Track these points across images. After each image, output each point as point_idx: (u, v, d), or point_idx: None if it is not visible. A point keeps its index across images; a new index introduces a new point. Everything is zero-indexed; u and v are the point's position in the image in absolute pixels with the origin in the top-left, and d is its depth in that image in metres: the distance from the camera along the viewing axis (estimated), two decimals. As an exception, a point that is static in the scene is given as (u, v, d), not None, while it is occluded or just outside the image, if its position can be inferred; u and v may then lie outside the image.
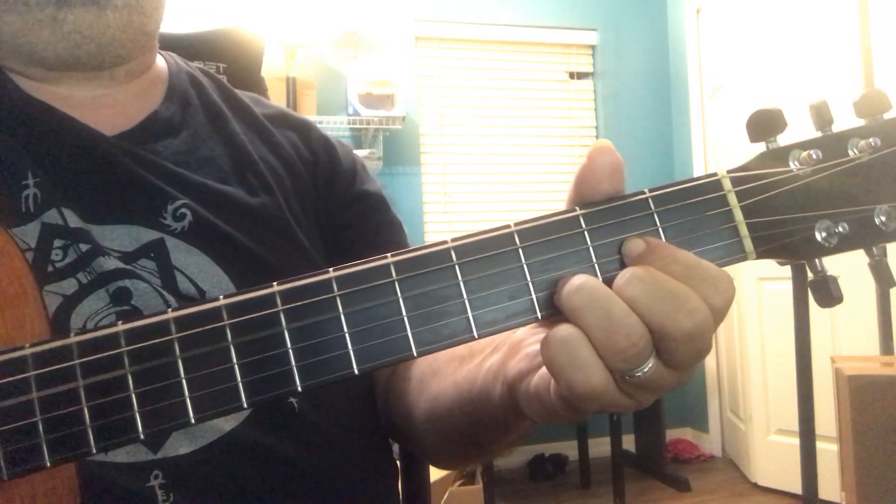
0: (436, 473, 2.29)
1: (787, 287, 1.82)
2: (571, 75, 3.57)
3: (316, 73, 3.10)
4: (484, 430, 0.49)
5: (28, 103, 0.52)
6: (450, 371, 0.53)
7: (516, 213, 3.37)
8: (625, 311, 0.33)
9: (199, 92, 0.63)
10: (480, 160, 3.41)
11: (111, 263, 0.49)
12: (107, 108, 0.56)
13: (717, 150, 3.21)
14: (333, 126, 2.99)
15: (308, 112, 2.87)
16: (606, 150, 0.36)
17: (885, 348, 1.88)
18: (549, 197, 3.43)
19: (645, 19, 3.61)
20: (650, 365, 0.34)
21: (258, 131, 0.64)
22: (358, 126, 3.06)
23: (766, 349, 2.73)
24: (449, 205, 3.36)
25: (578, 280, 0.34)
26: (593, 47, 3.58)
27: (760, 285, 2.76)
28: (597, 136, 3.57)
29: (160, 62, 0.63)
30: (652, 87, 3.60)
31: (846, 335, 2.31)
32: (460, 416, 0.50)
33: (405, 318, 0.34)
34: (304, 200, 0.63)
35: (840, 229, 0.37)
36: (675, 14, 3.56)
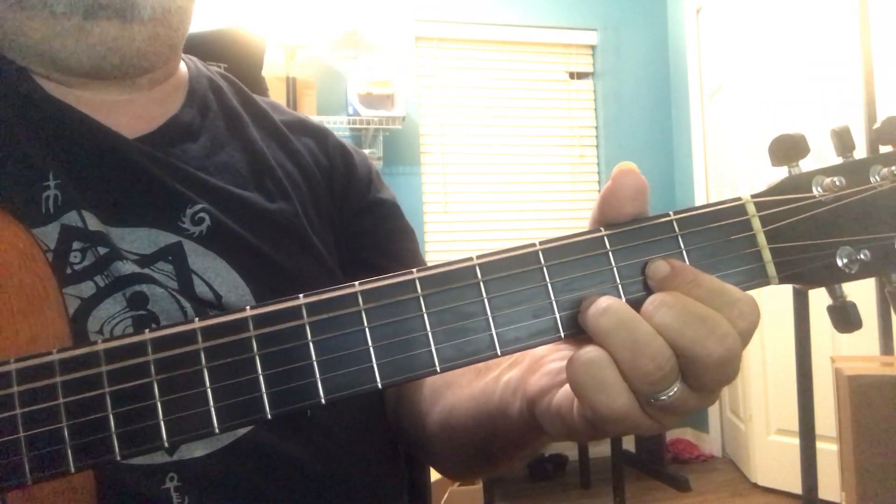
0: (436, 473, 2.29)
1: (788, 287, 1.82)
2: (571, 75, 3.57)
3: (316, 73, 3.10)
4: (499, 443, 0.49)
5: (51, 105, 0.52)
6: (465, 383, 0.53)
7: (516, 213, 3.38)
8: (651, 335, 0.33)
9: (218, 97, 0.63)
10: (480, 160, 3.41)
11: (128, 268, 0.50)
12: (128, 112, 0.56)
13: (717, 150, 3.21)
14: (333, 126, 2.99)
15: (308, 112, 2.87)
16: (630, 172, 0.36)
17: (885, 348, 1.89)
18: (549, 197, 3.44)
19: (645, 19, 3.61)
20: (676, 388, 0.34)
21: (276, 138, 0.64)
22: (358, 126, 3.06)
23: (766, 349, 2.74)
24: (449, 205, 3.36)
25: (605, 302, 0.34)
26: (593, 47, 3.58)
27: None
28: (597, 137, 3.58)
29: (181, 66, 0.63)
30: (652, 87, 3.60)
31: (846, 335, 2.31)
32: (476, 428, 0.50)
33: (429, 334, 0.35)
34: (319, 207, 0.63)
35: (861, 256, 0.38)
36: (675, 14, 3.57)
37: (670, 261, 0.36)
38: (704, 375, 0.34)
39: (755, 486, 2.77)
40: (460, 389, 0.53)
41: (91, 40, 0.51)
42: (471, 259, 0.36)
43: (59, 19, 0.50)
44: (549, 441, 0.46)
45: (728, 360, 0.33)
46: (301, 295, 0.35)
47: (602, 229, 0.37)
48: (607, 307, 0.34)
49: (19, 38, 0.51)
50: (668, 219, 0.37)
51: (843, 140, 0.39)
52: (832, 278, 0.38)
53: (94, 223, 0.50)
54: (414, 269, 0.35)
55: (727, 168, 3.05)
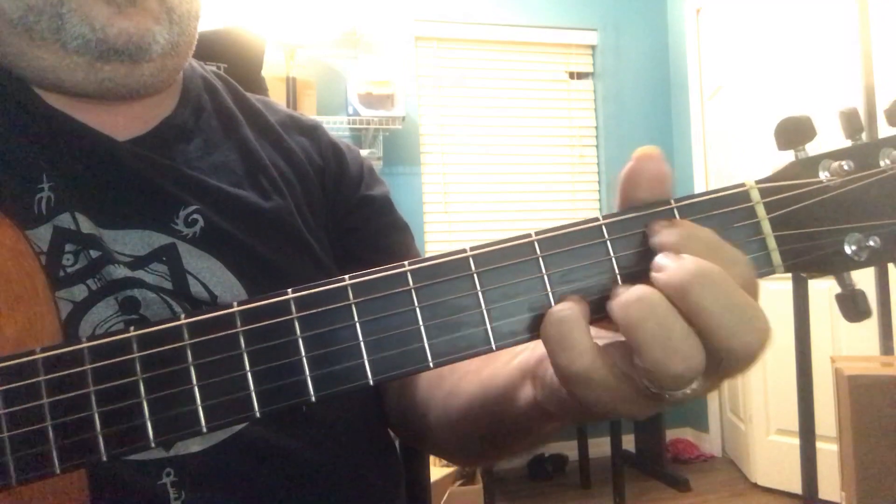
0: (436, 473, 2.29)
1: (788, 287, 1.82)
2: (571, 75, 3.57)
3: (316, 73, 3.09)
4: (505, 429, 0.47)
5: (44, 108, 0.52)
6: (473, 367, 0.51)
7: (516, 213, 3.37)
8: (685, 333, 0.30)
9: (212, 97, 0.63)
10: (480, 160, 3.40)
11: (120, 272, 0.50)
12: (122, 113, 0.56)
13: (718, 150, 3.21)
14: (333, 126, 2.99)
15: (308, 112, 2.86)
16: (649, 157, 0.35)
17: (885, 348, 1.89)
18: (549, 197, 3.43)
19: (645, 19, 3.61)
20: (696, 384, 0.31)
21: (270, 137, 0.64)
22: (358, 126, 3.06)
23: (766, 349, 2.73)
24: (449, 205, 3.36)
25: (638, 291, 0.31)
26: (593, 47, 3.58)
27: (760, 285, 2.76)
28: (597, 137, 3.57)
29: None
30: (652, 87, 3.59)
31: (846, 335, 2.31)
32: (481, 413, 0.49)
33: (422, 328, 0.34)
34: (313, 205, 0.63)
35: (871, 243, 0.36)
36: (675, 14, 3.56)
37: (670, 220, 0.34)
38: (731, 368, 0.31)
39: (755, 486, 2.76)
40: (465, 373, 0.52)
41: (101, 76, 0.51)
42: (464, 251, 0.35)
43: (70, 54, 0.50)
44: (554, 429, 0.44)
45: (760, 352, 0.31)
46: (289, 290, 0.34)
47: (600, 218, 0.35)
48: (641, 296, 0.31)
49: (21, 62, 0.51)
50: (669, 206, 0.36)
51: (851, 122, 0.37)
52: (840, 266, 0.37)
53: (86, 225, 0.50)
54: (405, 262, 0.34)
55: (727, 168, 3.04)
